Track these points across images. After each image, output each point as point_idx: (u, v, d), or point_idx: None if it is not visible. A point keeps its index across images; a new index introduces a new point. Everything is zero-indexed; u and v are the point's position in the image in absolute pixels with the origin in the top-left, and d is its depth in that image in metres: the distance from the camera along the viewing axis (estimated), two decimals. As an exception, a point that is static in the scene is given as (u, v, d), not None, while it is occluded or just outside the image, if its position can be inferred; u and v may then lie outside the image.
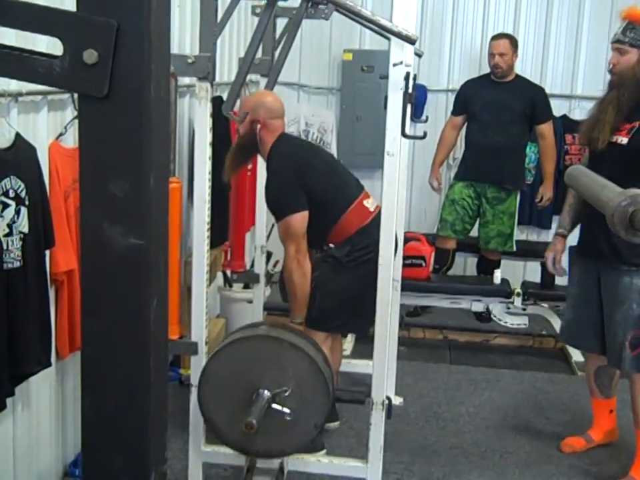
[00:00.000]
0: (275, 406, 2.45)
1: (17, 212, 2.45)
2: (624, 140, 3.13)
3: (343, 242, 3.18)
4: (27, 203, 2.48)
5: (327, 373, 2.55)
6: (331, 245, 3.20)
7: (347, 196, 3.24)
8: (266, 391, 2.47)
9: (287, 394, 2.45)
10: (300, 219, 3.09)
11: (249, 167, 4.22)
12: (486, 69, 5.27)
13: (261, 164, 3.75)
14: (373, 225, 3.14)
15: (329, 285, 3.19)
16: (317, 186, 3.16)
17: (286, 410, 2.47)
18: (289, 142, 3.31)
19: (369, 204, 3.26)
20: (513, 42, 5.06)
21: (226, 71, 4.68)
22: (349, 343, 4.63)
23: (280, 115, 3.25)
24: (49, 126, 2.75)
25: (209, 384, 2.55)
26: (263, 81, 3.58)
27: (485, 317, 5.12)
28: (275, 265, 4.61)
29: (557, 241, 3.46)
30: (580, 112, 5.79)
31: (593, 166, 3.33)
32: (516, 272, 5.72)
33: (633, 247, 3.00)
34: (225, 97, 3.36)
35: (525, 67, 5.67)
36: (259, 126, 3.17)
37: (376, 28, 2.78)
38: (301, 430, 2.53)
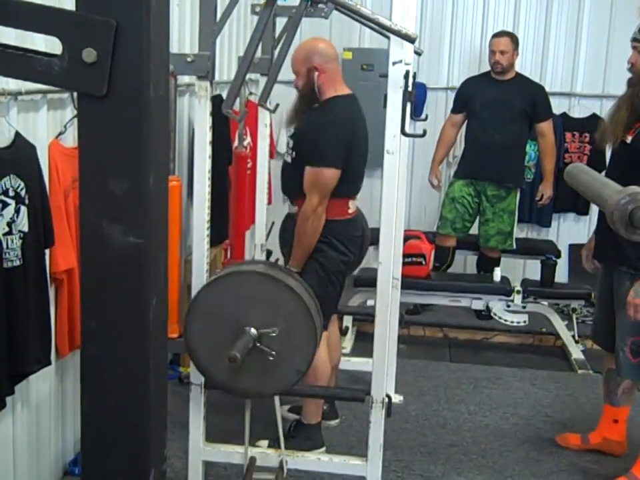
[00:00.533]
0: (259, 345, 2.43)
1: (17, 211, 2.45)
2: (629, 138, 3.13)
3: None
4: (26, 201, 2.48)
5: (317, 320, 2.53)
6: (296, 207, 3.18)
7: (351, 187, 3.23)
8: (252, 329, 2.44)
9: (274, 334, 2.43)
10: (333, 175, 3.06)
11: (249, 165, 4.23)
12: (486, 67, 5.26)
13: (261, 161, 3.75)
14: (344, 224, 3.18)
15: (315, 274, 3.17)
16: (351, 159, 3.12)
17: (271, 351, 2.44)
18: (351, 105, 3.25)
19: (351, 205, 3.25)
20: (514, 40, 5.06)
21: (225, 69, 4.68)
22: (348, 340, 4.64)
23: (335, 58, 3.23)
24: (48, 125, 2.75)
25: (197, 316, 2.51)
26: (263, 80, 3.58)
27: (484, 314, 5.12)
28: (274, 263, 4.61)
29: (592, 239, 3.46)
30: (580, 110, 5.81)
31: (609, 165, 3.34)
32: (516, 270, 5.73)
33: (638, 250, 3.00)
34: (224, 95, 3.36)
35: (525, 64, 5.66)
36: (316, 73, 3.14)
37: (375, 26, 2.78)
38: (283, 374, 2.52)
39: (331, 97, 3.18)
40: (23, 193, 2.46)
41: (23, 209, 2.47)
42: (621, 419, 3.43)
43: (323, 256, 3.13)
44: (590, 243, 3.46)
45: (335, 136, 3.08)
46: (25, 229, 2.49)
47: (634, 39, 3.17)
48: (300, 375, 2.52)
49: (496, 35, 5.11)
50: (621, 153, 3.17)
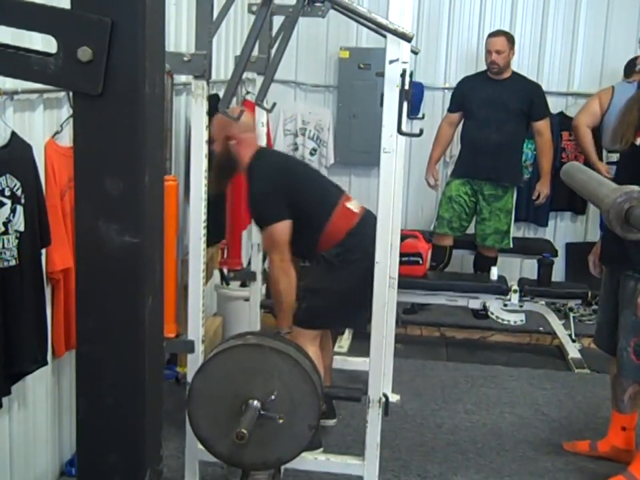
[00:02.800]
0: (264, 412, 2.43)
1: (13, 210, 2.44)
2: (639, 140, 3.12)
3: (334, 246, 3.20)
4: (22, 201, 2.47)
5: (312, 373, 2.53)
6: (323, 253, 3.22)
7: (328, 202, 3.27)
8: (255, 401, 2.44)
9: (273, 398, 2.42)
10: (282, 228, 3.11)
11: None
12: (482, 66, 5.27)
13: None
14: (361, 225, 3.16)
15: (319, 283, 3.21)
16: (298, 195, 3.20)
17: (278, 415, 2.44)
18: (266, 155, 3.39)
19: (353, 205, 3.27)
20: (510, 39, 5.06)
21: (222, 68, 4.68)
22: (346, 340, 4.64)
23: (251, 128, 3.32)
24: (44, 124, 2.74)
25: (196, 402, 2.52)
26: (260, 79, 3.58)
27: (481, 314, 5.13)
28: (271, 263, 4.61)
29: (598, 244, 3.45)
30: (576, 109, 5.80)
31: (618, 167, 3.33)
32: (513, 269, 5.73)
33: None
34: (221, 94, 3.36)
35: (522, 63, 5.66)
36: (233, 141, 3.21)
37: (372, 25, 2.78)
38: (296, 434, 2.51)
39: (250, 159, 3.23)
40: (19, 192, 2.46)
41: (19, 208, 2.47)
42: (629, 427, 3.38)
43: (355, 267, 3.14)
44: (597, 249, 3.44)
45: (266, 193, 3.16)
46: (21, 228, 2.48)
47: None
48: (313, 430, 2.52)
49: (492, 35, 5.11)
50: (630, 155, 3.15)
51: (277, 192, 3.16)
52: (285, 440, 2.50)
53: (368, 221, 3.14)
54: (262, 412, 2.41)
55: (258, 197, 3.18)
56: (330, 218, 3.21)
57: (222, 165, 3.28)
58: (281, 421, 2.43)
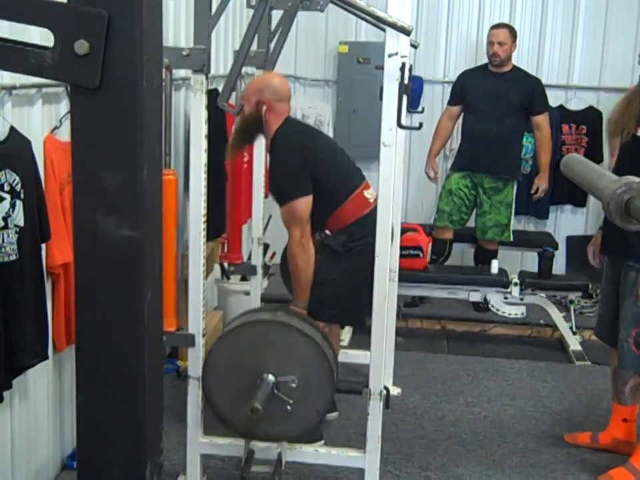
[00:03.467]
0: (277, 393, 2.46)
1: (12, 205, 2.44)
2: (639, 132, 3.12)
3: (340, 230, 3.17)
4: (22, 196, 2.47)
5: (332, 361, 2.56)
6: (327, 232, 3.20)
7: (349, 184, 3.24)
8: (270, 376, 2.47)
9: (293, 385, 2.46)
10: (305, 204, 3.07)
11: (246, 159, 4.22)
12: (482, 60, 5.26)
13: (258, 155, 3.75)
14: (371, 216, 3.13)
15: (326, 274, 3.18)
16: (321, 172, 3.14)
17: (289, 399, 2.47)
18: (294, 126, 3.29)
19: (369, 194, 3.25)
20: (512, 32, 5.06)
21: (222, 63, 4.67)
22: (346, 333, 4.63)
23: (286, 97, 3.22)
24: (43, 119, 2.74)
25: (213, 369, 2.55)
26: (259, 73, 3.57)
27: (482, 306, 5.13)
28: (271, 257, 4.61)
29: (598, 235, 3.45)
30: (576, 102, 5.80)
31: (619, 159, 3.32)
32: (513, 262, 5.72)
33: None
34: (220, 89, 3.35)
35: (522, 57, 5.65)
36: (264, 108, 3.14)
37: (371, 19, 2.77)
38: (303, 416, 2.54)
39: (276, 130, 3.17)
40: (18, 187, 2.46)
41: (19, 203, 2.47)
42: (630, 418, 3.38)
43: (360, 261, 3.12)
44: (596, 239, 3.44)
45: (290, 167, 3.11)
46: (21, 223, 2.48)
47: None
48: (321, 416, 2.54)
49: (494, 27, 5.11)
50: (631, 146, 3.15)
51: (301, 166, 3.09)
52: (291, 419, 2.53)
53: (371, 216, 3.15)
54: (275, 391, 2.44)
55: (281, 170, 3.12)
56: (346, 201, 3.17)
57: (246, 128, 3.23)
58: (289, 408, 2.45)
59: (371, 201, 3.21)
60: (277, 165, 3.15)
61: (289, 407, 2.46)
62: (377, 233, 2.70)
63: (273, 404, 2.47)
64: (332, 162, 3.26)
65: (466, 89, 5.13)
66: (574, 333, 4.84)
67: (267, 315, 2.78)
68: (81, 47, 0.93)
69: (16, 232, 2.47)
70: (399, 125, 2.61)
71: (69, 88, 0.98)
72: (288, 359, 2.49)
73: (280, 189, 3.15)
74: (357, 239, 3.14)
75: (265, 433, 2.61)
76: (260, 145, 3.70)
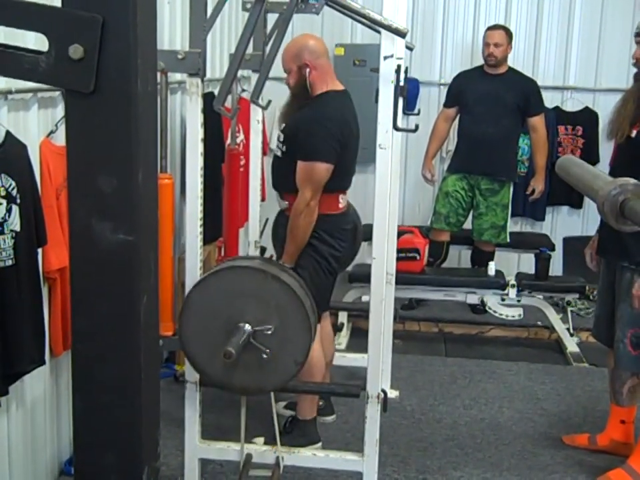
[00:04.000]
0: (253, 342, 2.42)
1: (9, 210, 2.44)
2: (634, 133, 3.12)
3: None
4: (18, 201, 2.47)
5: (311, 313, 2.52)
6: (287, 202, 3.20)
7: (342, 182, 3.24)
8: (247, 325, 2.43)
9: (269, 332, 2.41)
10: (326, 170, 3.05)
11: (242, 162, 4.22)
12: (478, 62, 5.27)
13: (254, 159, 3.74)
14: (334, 220, 3.18)
15: (302, 260, 3.17)
16: (341, 156, 3.12)
17: (264, 348, 2.43)
18: (342, 101, 3.26)
19: (342, 200, 3.25)
20: (508, 33, 5.07)
21: (217, 66, 4.67)
22: (344, 336, 4.64)
23: (325, 53, 3.23)
24: (39, 124, 2.74)
25: (190, 314, 2.50)
26: (254, 77, 3.57)
27: (479, 309, 5.13)
28: (269, 260, 4.61)
29: (595, 238, 3.45)
30: (572, 103, 5.81)
31: (614, 160, 3.33)
32: (510, 263, 5.73)
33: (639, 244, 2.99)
34: (216, 92, 3.35)
35: (517, 58, 5.65)
36: (307, 69, 3.14)
37: (366, 22, 2.78)
38: (281, 367, 2.50)
39: (323, 92, 3.17)
40: (14, 192, 2.45)
41: (15, 208, 2.46)
42: (628, 420, 3.37)
43: (313, 250, 3.14)
44: (593, 242, 3.44)
45: (328, 131, 3.07)
46: (17, 228, 2.48)
47: (637, 34, 3.15)
48: (299, 366, 2.51)
49: (490, 28, 5.11)
50: (626, 147, 3.16)
51: (337, 137, 3.07)
52: (269, 370, 2.50)
53: (341, 218, 3.23)
54: (251, 340, 2.42)
55: (318, 129, 3.08)
56: (328, 193, 3.14)
57: (297, 98, 3.22)
58: (265, 356, 2.42)
59: (340, 206, 3.22)
60: (316, 123, 3.10)
61: (264, 356, 2.42)
62: (373, 235, 2.70)
63: (250, 354, 2.43)
64: (351, 154, 3.25)
65: (462, 91, 5.14)
66: (571, 335, 4.85)
67: (244, 262, 2.73)
68: (76, 51, 0.93)
69: (12, 237, 2.46)
70: (395, 127, 2.61)
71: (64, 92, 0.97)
72: (265, 307, 2.44)
73: (310, 144, 3.08)
74: (321, 230, 3.14)
75: (241, 384, 2.56)
76: (256, 149, 3.70)
